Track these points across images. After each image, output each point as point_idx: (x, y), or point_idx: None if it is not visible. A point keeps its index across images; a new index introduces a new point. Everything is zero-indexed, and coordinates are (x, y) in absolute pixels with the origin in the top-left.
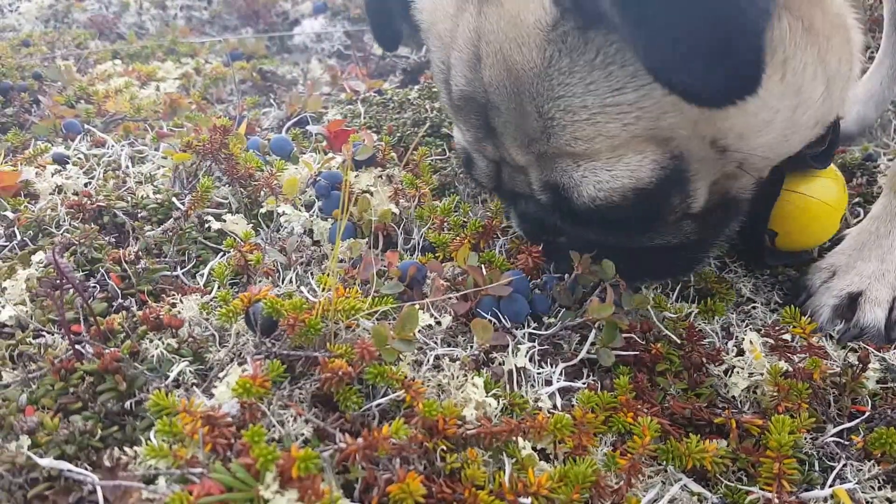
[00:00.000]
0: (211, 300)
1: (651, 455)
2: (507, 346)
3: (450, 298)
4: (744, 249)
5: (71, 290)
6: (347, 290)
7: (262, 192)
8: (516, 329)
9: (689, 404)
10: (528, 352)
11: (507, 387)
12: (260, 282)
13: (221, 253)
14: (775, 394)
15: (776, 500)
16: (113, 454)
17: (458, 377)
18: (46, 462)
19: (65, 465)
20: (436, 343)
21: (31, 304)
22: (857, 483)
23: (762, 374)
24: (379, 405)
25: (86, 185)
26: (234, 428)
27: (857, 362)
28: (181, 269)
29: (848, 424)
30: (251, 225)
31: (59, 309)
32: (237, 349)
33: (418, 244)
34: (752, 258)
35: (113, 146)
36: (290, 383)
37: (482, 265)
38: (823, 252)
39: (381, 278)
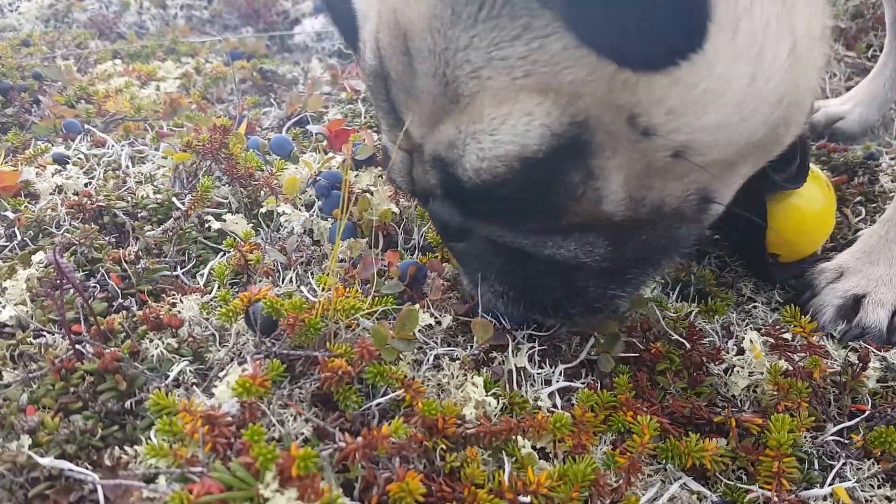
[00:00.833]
0: (211, 300)
1: (650, 454)
2: (507, 345)
3: (450, 298)
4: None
5: (71, 290)
6: (347, 289)
7: (262, 192)
8: (516, 329)
9: (689, 403)
10: (528, 352)
11: (507, 386)
12: (260, 281)
13: (221, 253)
14: (775, 393)
15: (776, 499)
16: (113, 453)
17: (457, 376)
18: (47, 461)
19: (65, 465)
20: (436, 342)
21: (31, 304)
22: (856, 482)
23: (762, 373)
24: (379, 404)
25: (86, 185)
26: (234, 427)
27: (857, 361)
28: (181, 268)
29: (848, 423)
30: (251, 225)
31: (59, 309)
32: (237, 349)
33: (418, 244)
34: (761, 277)
35: (113, 146)
36: (289, 383)
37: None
38: (827, 250)
39: (381, 278)
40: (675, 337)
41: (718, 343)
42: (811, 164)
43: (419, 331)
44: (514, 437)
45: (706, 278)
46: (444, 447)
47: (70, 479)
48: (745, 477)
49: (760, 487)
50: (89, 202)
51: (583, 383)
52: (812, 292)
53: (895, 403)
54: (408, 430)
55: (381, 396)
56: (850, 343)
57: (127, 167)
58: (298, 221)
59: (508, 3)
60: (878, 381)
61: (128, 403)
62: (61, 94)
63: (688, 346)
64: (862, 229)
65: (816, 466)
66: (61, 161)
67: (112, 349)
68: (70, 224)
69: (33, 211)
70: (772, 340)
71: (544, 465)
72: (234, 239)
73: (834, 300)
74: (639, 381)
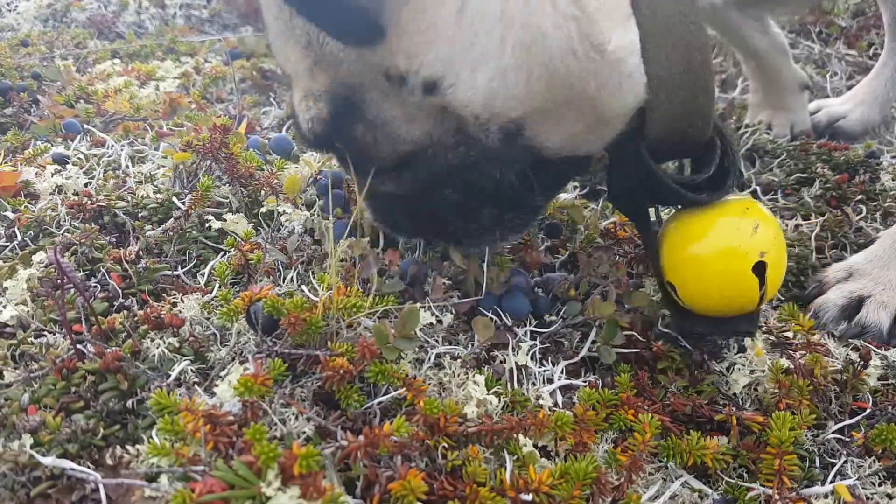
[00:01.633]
0: (212, 299)
1: (652, 452)
2: (508, 344)
3: (451, 297)
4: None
5: (72, 290)
6: (348, 288)
7: (263, 192)
8: (517, 327)
9: (690, 401)
10: (529, 350)
11: (508, 384)
12: (261, 281)
13: (222, 252)
14: (776, 391)
15: (777, 497)
16: (115, 453)
17: (459, 375)
18: (49, 461)
19: (67, 464)
20: (437, 341)
21: (32, 304)
22: (857, 479)
23: (763, 372)
24: (380, 403)
25: (86, 184)
26: (236, 426)
27: (858, 359)
28: (182, 268)
29: (849, 421)
30: (252, 224)
31: (60, 308)
32: (238, 348)
33: (419, 242)
34: (673, 318)
35: (113, 146)
36: (291, 382)
37: (482, 263)
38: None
39: (382, 277)
40: (676, 337)
41: (719, 341)
42: (755, 204)
43: (420, 329)
44: (515, 435)
45: None
46: (446, 445)
47: (72, 479)
48: (746, 475)
49: (762, 485)
50: (89, 202)
51: (584, 381)
52: (820, 288)
53: None
54: (409, 428)
55: (383, 395)
56: (851, 341)
57: (127, 167)
58: (299, 221)
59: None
60: (878, 379)
61: (129, 403)
62: (60, 94)
63: (689, 344)
64: (863, 227)
65: (817, 464)
66: (61, 161)
67: (113, 349)
68: (70, 224)
69: (33, 211)
70: (773, 339)
71: (546, 464)
72: (235, 238)
73: (839, 300)
74: (640, 380)
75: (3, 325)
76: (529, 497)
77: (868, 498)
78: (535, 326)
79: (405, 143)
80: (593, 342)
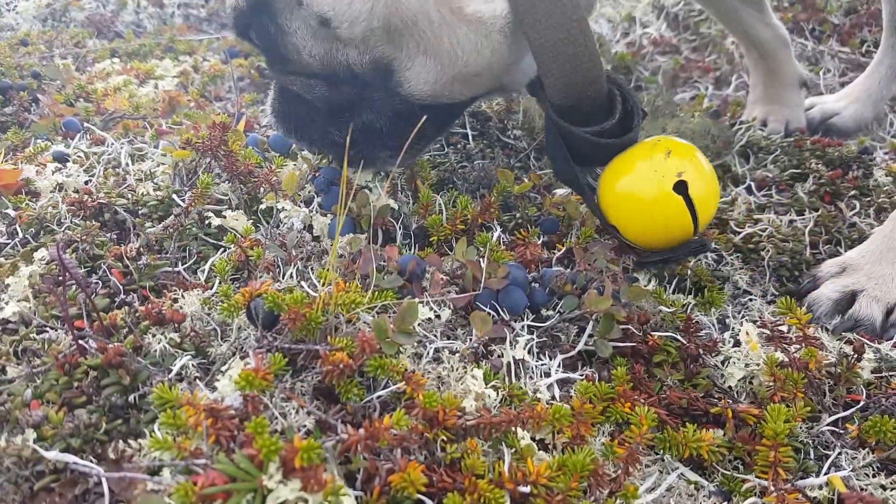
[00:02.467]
0: (212, 295)
1: (648, 444)
2: (506, 338)
3: (448, 292)
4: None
5: (74, 287)
6: (347, 284)
7: (262, 189)
8: (515, 321)
9: (686, 394)
10: (526, 344)
11: (506, 378)
12: (260, 277)
13: (222, 249)
14: (771, 384)
15: (772, 488)
16: (118, 447)
17: (457, 369)
18: (52, 455)
19: (70, 458)
20: (435, 336)
21: (34, 301)
22: (851, 471)
23: (758, 365)
24: (380, 397)
25: (86, 182)
26: (237, 420)
27: (852, 353)
28: (182, 264)
29: (843, 413)
30: (251, 221)
31: (62, 305)
32: (239, 343)
33: (413, 233)
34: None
35: (112, 144)
36: (291, 376)
37: (480, 258)
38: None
39: (380, 273)
40: (672, 331)
41: (715, 335)
42: (668, 138)
43: (419, 324)
44: (513, 428)
45: (703, 269)
46: (445, 438)
47: (75, 473)
48: (741, 467)
49: (757, 477)
50: (90, 199)
51: (581, 375)
52: (814, 283)
53: (889, 393)
54: (409, 421)
55: (382, 389)
56: (845, 335)
57: (127, 165)
58: (298, 217)
59: None
60: (872, 372)
61: (131, 397)
62: (60, 93)
63: (684, 339)
64: (857, 223)
65: (812, 456)
66: (61, 159)
67: (115, 344)
68: (71, 221)
69: (34, 209)
70: (768, 332)
71: (543, 456)
72: (235, 235)
73: (833, 294)
74: (636, 373)
75: (5, 321)
76: (528, 489)
77: (862, 489)
78: (532, 321)
79: (311, 57)
80: (590, 336)
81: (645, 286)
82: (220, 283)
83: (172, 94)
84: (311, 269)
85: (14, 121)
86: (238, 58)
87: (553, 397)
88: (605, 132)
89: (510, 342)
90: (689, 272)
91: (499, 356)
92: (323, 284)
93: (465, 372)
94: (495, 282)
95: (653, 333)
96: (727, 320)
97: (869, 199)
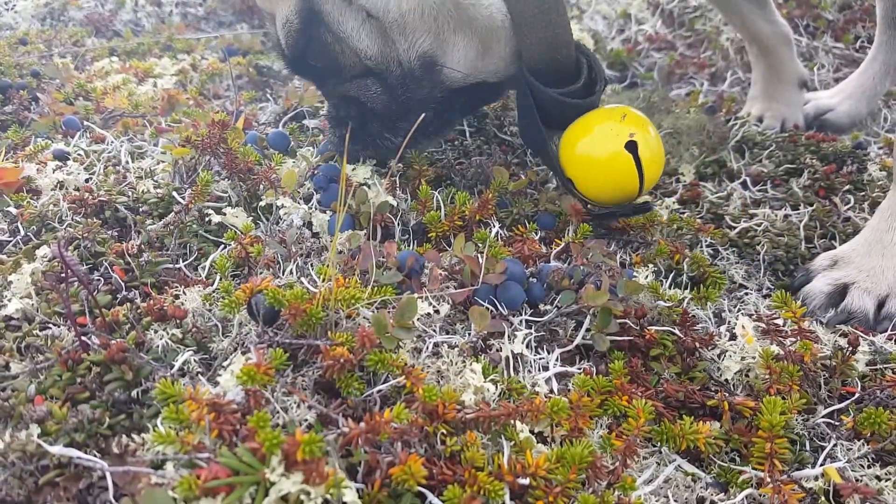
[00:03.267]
0: (213, 291)
1: (646, 437)
2: (504, 332)
3: (447, 287)
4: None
5: (76, 283)
6: (347, 280)
7: (262, 186)
8: (513, 316)
9: (683, 387)
10: (524, 338)
11: (505, 372)
12: (261, 273)
13: (222, 245)
14: (767, 376)
15: (768, 479)
16: (121, 441)
17: (456, 363)
18: (56, 449)
19: (74, 453)
20: (434, 331)
21: (36, 298)
22: (846, 462)
23: (754, 358)
24: (380, 391)
25: (87, 180)
26: (240, 414)
27: (847, 345)
28: (183, 261)
29: (838, 405)
30: (251, 218)
31: (64, 301)
32: (240, 338)
33: (411, 230)
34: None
35: (112, 142)
36: (292, 371)
37: (479, 254)
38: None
39: (379, 268)
40: (669, 325)
41: (711, 329)
42: (626, 107)
43: (418, 319)
44: (512, 421)
45: (700, 261)
46: (445, 432)
47: (79, 467)
48: (738, 458)
49: (753, 468)
50: (91, 197)
51: (579, 369)
52: (807, 277)
53: (884, 385)
54: (409, 415)
55: (383, 383)
56: (840, 328)
57: (127, 163)
58: (297, 214)
59: None
60: (867, 365)
61: (134, 393)
62: (60, 92)
63: (681, 332)
64: (851, 217)
65: (808, 448)
66: (61, 157)
67: (117, 340)
68: (72, 219)
69: (36, 206)
70: (763, 326)
71: (542, 449)
72: (235, 232)
73: (825, 287)
74: (633, 367)
75: (8, 318)
76: (527, 481)
77: (858, 480)
78: (530, 315)
79: (367, 58)
80: (587, 330)
81: (645, 280)
82: (220, 279)
83: (171, 92)
84: (311, 265)
85: (14, 119)
86: (236, 56)
87: (551, 391)
88: (572, 93)
89: (508, 336)
90: (685, 267)
91: (497, 350)
92: (323, 280)
93: (465, 366)
94: (493, 277)
95: (650, 327)
96: (723, 314)
97: (863, 193)
